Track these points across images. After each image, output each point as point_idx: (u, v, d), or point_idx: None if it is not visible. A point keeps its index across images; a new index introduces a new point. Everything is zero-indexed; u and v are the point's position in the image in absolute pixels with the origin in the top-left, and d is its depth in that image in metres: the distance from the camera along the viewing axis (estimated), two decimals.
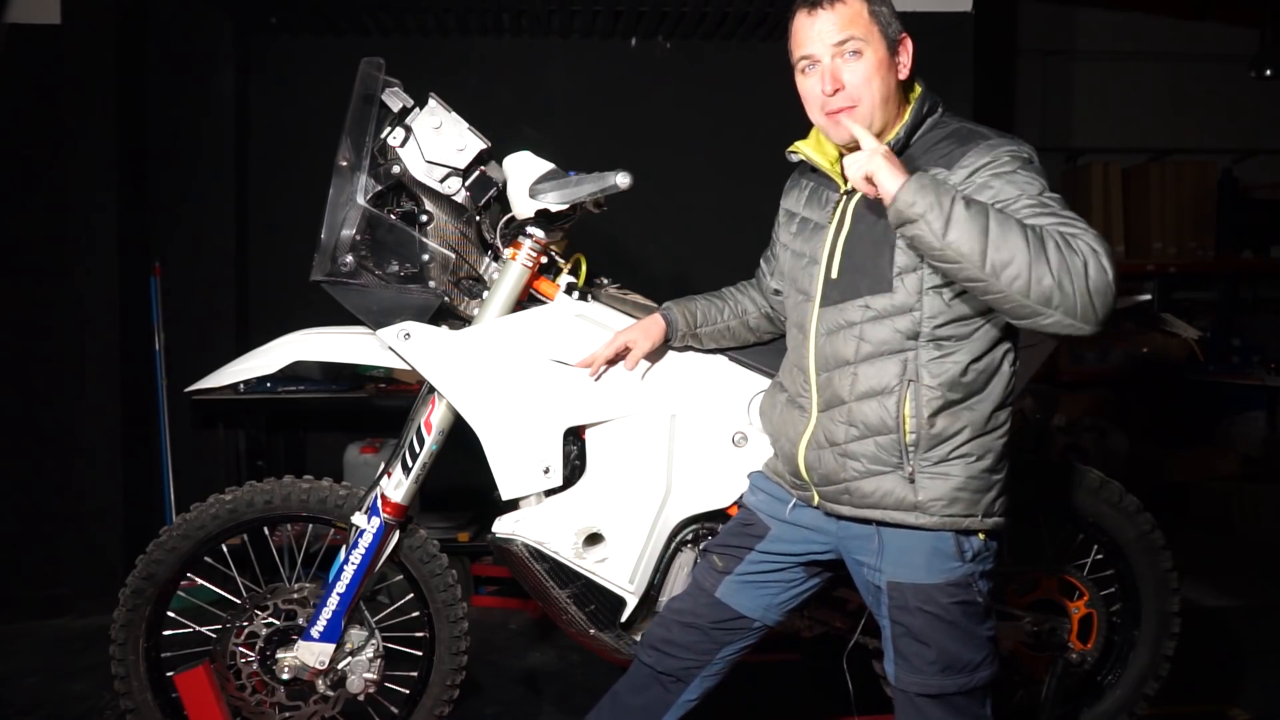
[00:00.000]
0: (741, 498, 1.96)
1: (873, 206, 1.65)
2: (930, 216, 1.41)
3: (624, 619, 2.02)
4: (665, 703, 1.88)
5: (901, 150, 1.65)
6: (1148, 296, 5.58)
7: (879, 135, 1.66)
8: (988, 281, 1.41)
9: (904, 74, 1.66)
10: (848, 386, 1.66)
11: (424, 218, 2.01)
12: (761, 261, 2.06)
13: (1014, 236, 1.39)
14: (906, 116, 1.66)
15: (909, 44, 1.66)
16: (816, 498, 1.73)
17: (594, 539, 2.00)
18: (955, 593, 1.63)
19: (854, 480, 1.66)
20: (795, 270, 1.80)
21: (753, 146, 3.15)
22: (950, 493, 1.62)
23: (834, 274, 1.69)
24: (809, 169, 1.83)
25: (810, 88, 1.66)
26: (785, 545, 1.83)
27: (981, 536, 1.66)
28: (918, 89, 1.70)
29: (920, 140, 1.66)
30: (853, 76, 1.61)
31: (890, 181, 1.46)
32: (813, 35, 1.62)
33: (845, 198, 1.71)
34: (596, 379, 1.98)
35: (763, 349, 2.08)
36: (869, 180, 1.49)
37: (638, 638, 2.05)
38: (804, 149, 1.77)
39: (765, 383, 2.06)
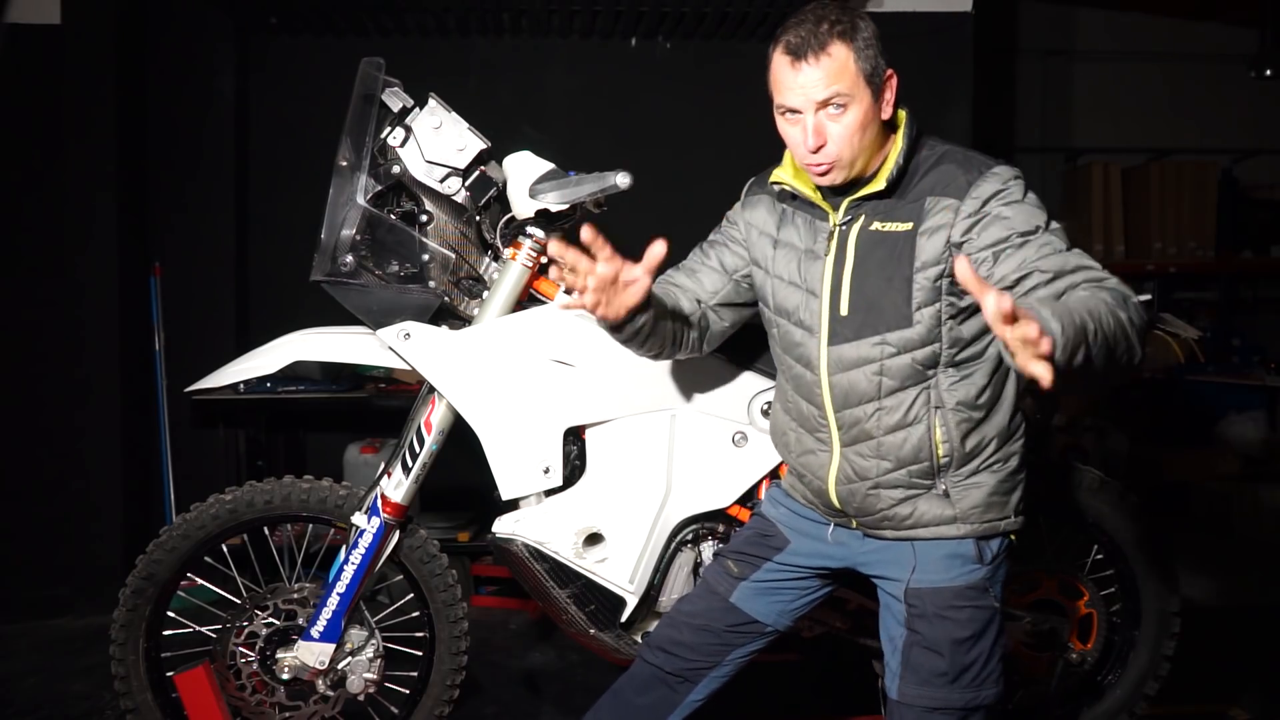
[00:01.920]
0: (759, 508, 1.95)
1: (882, 240, 1.61)
2: (1082, 359, 1.24)
3: (624, 619, 2.02)
4: (671, 703, 1.88)
5: (900, 176, 1.62)
6: (1148, 296, 5.56)
7: (863, 173, 1.62)
8: (1088, 379, 1.31)
9: (888, 113, 1.61)
10: (874, 422, 1.65)
11: (424, 218, 2.01)
12: (699, 268, 1.90)
13: (1115, 336, 1.29)
14: (900, 143, 1.62)
15: (894, 81, 1.60)
16: (855, 522, 1.75)
17: (594, 539, 2.00)
18: (973, 597, 1.65)
19: (891, 508, 1.67)
20: (786, 298, 1.73)
21: (752, 146, 3.14)
22: (984, 499, 1.65)
23: (843, 310, 1.64)
24: (789, 195, 1.75)
25: (793, 136, 1.60)
26: (802, 558, 1.84)
27: (1012, 537, 1.69)
28: (902, 114, 1.65)
29: (915, 165, 1.63)
30: (837, 132, 1.55)
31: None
32: (795, 88, 1.55)
33: (840, 229, 1.66)
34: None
35: (756, 348, 2.08)
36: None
37: (638, 638, 2.05)
38: (786, 179, 1.71)
39: (765, 383, 2.06)
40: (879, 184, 1.61)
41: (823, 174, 1.61)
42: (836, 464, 1.71)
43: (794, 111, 1.57)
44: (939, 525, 1.66)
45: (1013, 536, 1.70)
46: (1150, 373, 5.25)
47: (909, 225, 1.59)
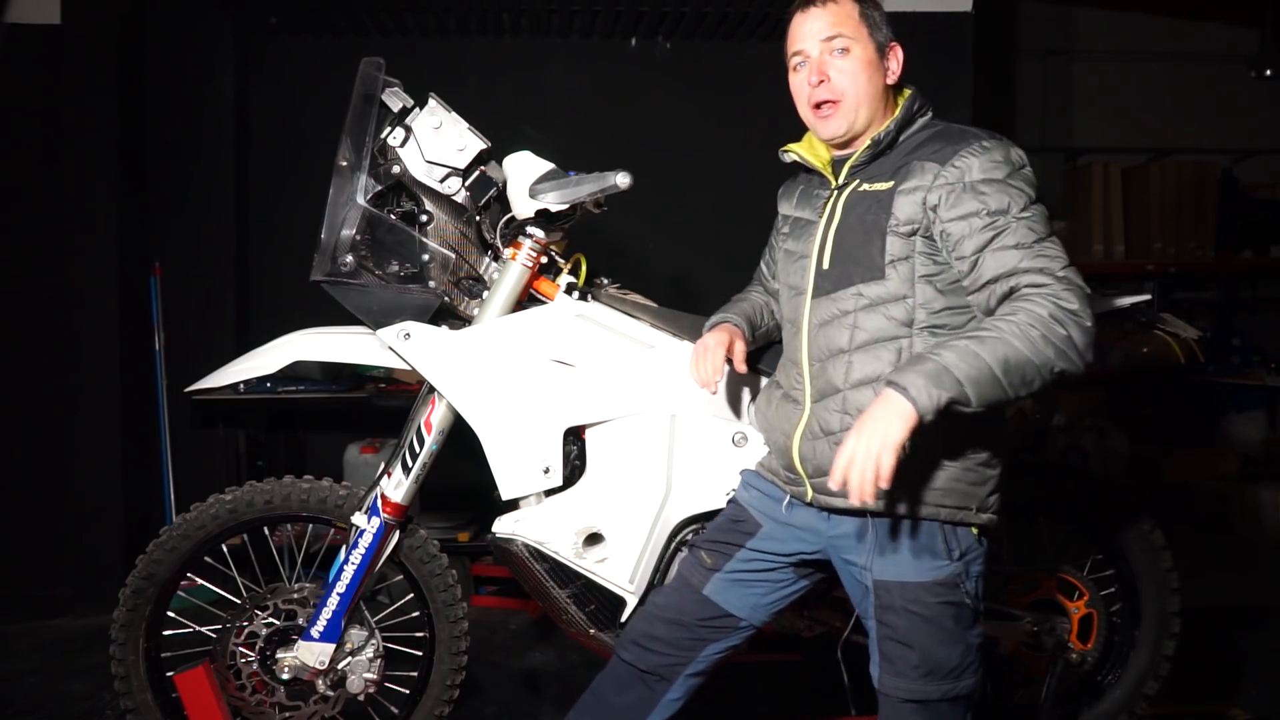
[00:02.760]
0: (734, 492, 1.95)
1: (863, 198, 1.68)
2: (955, 396, 1.45)
3: (624, 619, 2.02)
4: (650, 702, 1.87)
5: (891, 144, 1.69)
6: (1148, 296, 5.56)
7: (863, 135, 1.70)
8: (1017, 399, 1.50)
9: (893, 79, 1.71)
10: (842, 374, 1.66)
11: (424, 218, 2.02)
12: (764, 266, 2.06)
13: (1015, 359, 1.46)
14: (897, 112, 1.70)
15: (899, 52, 1.71)
16: (810, 492, 1.72)
17: (594, 539, 2.00)
18: (942, 592, 1.63)
19: None
20: (787, 269, 1.82)
21: (752, 146, 3.17)
22: (946, 483, 1.62)
23: (825, 265, 1.70)
24: (802, 170, 1.86)
25: (799, 83, 1.72)
26: (775, 544, 1.82)
27: (974, 531, 1.66)
28: (907, 92, 1.74)
29: (909, 138, 1.69)
30: (838, 72, 1.67)
31: (902, 418, 1.44)
32: (804, 31, 1.69)
33: (835, 193, 1.73)
34: (714, 392, 1.89)
35: (762, 349, 2.08)
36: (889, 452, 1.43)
37: None
38: (796, 150, 1.81)
39: (765, 383, 2.06)
40: (865, 142, 1.70)
41: (825, 119, 1.69)
42: (805, 420, 1.72)
43: (803, 57, 1.70)
44: (894, 501, 1.63)
45: (975, 530, 1.66)
46: (1150, 373, 5.25)
47: (890, 184, 1.65)
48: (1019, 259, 1.53)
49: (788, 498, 1.79)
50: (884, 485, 1.44)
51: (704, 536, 1.92)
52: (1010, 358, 1.45)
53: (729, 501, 1.95)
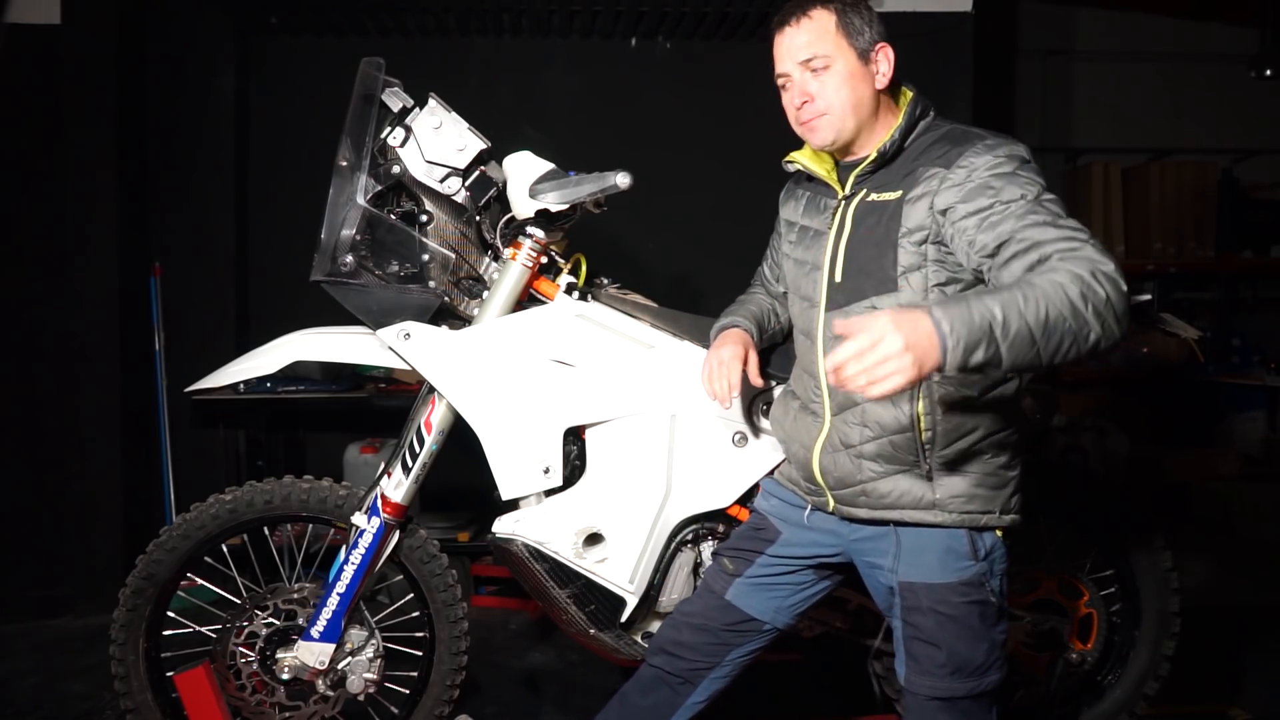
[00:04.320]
0: (754, 503, 1.97)
1: (872, 209, 1.67)
2: (987, 358, 1.30)
3: (624, 619, 2.02)
4: (673, 704, 1.89)
5: (896, 153, 1.67)
6: (1148, 296, 5.57)
7: (856, 143, 1.69)
8: (1049, 364, 1.36)
9: (883, 83, 1.68)
10: None
11: (424, 218, 2.02)
12: (765, 269, 2.07)
13: (1055, 319, 1.32)
14: (899, 119, 1.68)
15: (889, 53, 1.67)
16: (832, 502, 1.74)
17: (594, 539, 2.00)
18: (968, 592, 1.64)
19: (870, 481, 1.67)
20: (798, 278, 1.82)
21: (752, 146, 3.17)
22: (968, 489, 1.64)
23: (838, 278, 1.70)
24: (805, 178, 1.85)
25: (788, 102, 1.72)
26: (795, 549, 1.84)
27: (998, 533, 1.68)
28: (908, 94, 1.71)
29: (915, 143, 1.68)
30: (820, 88, 1.66)
31: (924, 365, 1.27)
32: (783, 53, 1.69)
33: (844, 203, 1.72)
34: (729, 406, 1.90)
35: (767, 352, 2.08)
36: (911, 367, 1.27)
37: (638, 638, 2.05)
38: (800, 159, 1.80)
39: (780, 391, 2.06)
40: (871, 154, 1.67)
41: (813, 130, 1.68)
42: (825, 433, 1.73)
43: (785, 77, 1.70)
44: (918, 509, 1.64)
45: (999, 532, 1.68)
46: (1150, 373, 5.25)
47: (898, 194, 1.64)
48: (1044, 234, 1.44)
49: (809, 507, 1.81)
50: (870, 395, 1.29)
51: (726, 544, 1.94)
52: (1051, 319, 1.32)
53: (751, 511, 1.97)
